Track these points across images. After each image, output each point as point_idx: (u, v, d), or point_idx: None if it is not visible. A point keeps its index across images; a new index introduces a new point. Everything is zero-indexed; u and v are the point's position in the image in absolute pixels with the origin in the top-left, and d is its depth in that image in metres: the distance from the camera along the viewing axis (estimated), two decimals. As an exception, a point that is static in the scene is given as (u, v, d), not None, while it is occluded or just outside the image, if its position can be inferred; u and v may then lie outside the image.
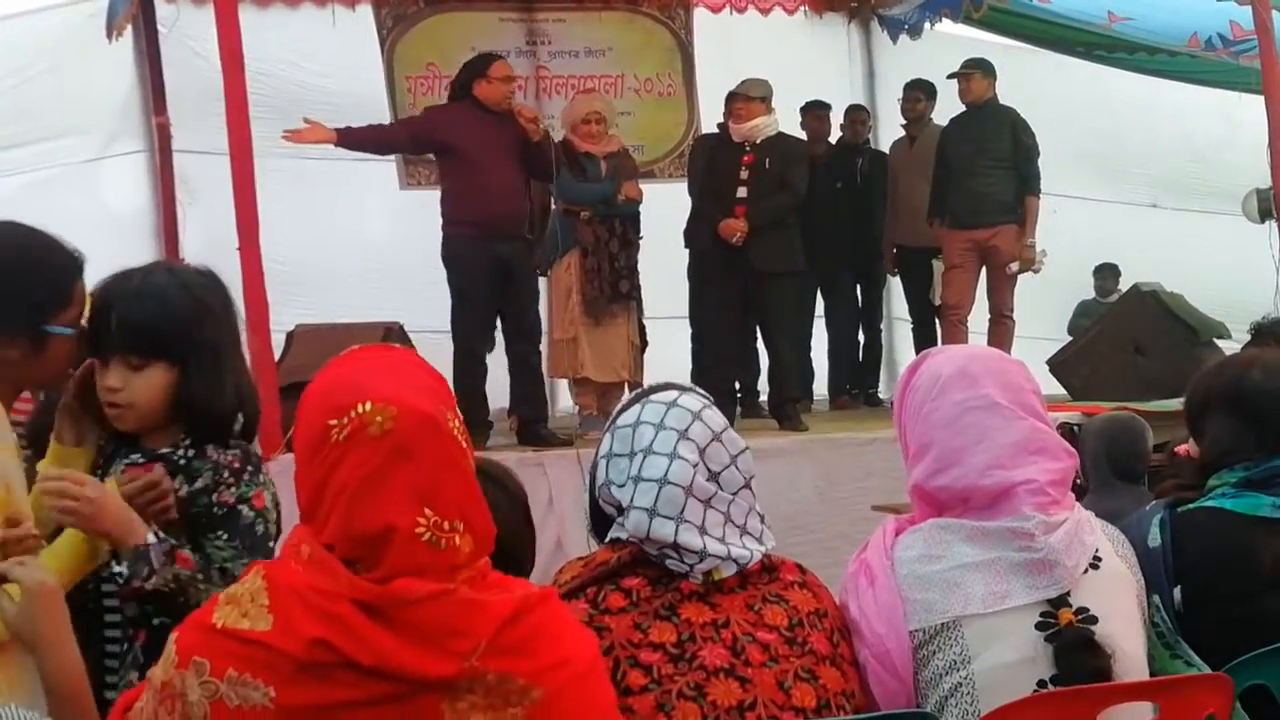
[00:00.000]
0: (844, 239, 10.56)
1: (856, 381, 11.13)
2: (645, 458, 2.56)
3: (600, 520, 2.68)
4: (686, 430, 2.58)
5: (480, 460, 2.44)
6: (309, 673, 1.95)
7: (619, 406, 2.71)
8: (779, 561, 2.65)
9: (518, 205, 8.39)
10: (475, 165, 8.08)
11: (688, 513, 2.51)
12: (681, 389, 2.69)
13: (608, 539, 2.62)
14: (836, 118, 11.07)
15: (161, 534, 2.77)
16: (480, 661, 1.98)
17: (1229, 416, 3.07)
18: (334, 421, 2.03)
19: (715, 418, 2.64)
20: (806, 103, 10.84)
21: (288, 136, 8.31)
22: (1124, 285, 11.52)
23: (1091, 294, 13.05)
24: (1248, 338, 6.32)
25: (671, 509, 2.51)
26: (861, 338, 11.25)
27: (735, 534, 2.57)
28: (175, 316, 2.91)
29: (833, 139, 11.01)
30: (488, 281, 8.12)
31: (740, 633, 2.51)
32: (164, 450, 2.94)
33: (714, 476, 2.58)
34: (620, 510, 2.59)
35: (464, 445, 2.09)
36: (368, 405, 2.02)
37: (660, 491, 2.52)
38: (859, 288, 11.12)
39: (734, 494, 2.59)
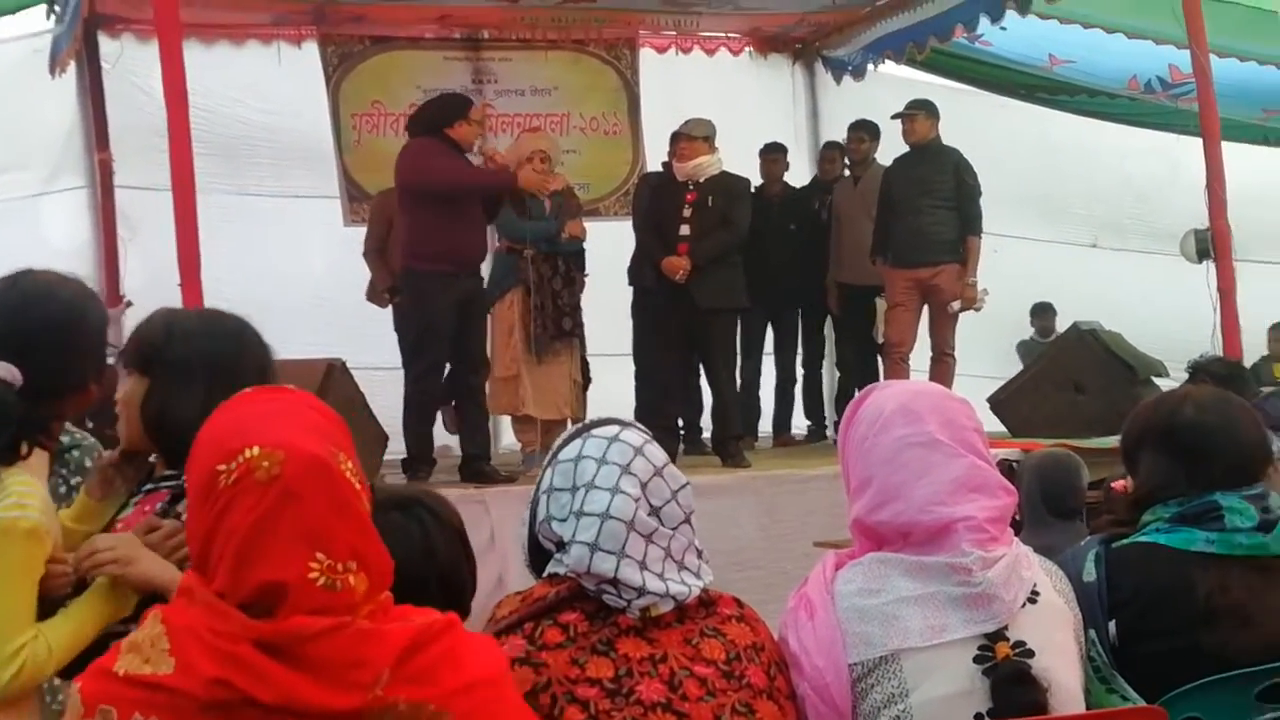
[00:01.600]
0: (798, 277, 10.60)
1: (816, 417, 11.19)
2: (587, 492, 2.56)
3: (538, 555, 2.67)
4: (629, 465, 2.58)
5: (417, 490, 2.42)
6: (213, 713, 1.94)
7: (559, 441, 2.70)
8: (716, 596, 2.65)
9: (485, 242, 8.55)
10: (451, 201, 8.11)
11: (629, 548, 2.51)
12: (622, 424, 2.69)
13: (546, 574, 2.61)
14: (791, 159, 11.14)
15: None
16: (387, 691, 1.98)
17: (1161, 452, 3.09)
18: (222, 467, 2.01)
19: (656, 453, 2.64)
20: (764, 145, 10.92)
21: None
22: (1062, 324, 11.61)
23: (1029, 333, 13.16)
24: (1186, 376, 6.37)
25: (613, 544, 2.50)
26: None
27: (674, 569, 2.57)
28: (154, 331, 2.99)
29: (788, 179, 11.07)
30: (453, 318, 8.13)
31: (678, 667, 2.50)
32: (169, 473, 2.98)
33: (655, 511, 2.57)
34: (560, 546, 2.58)
35: (356, 485, 2.08)
36: (255, 450, 2.01)
37: (602, 526, 2.51)
38: (819, 325, 11.16)
39: (674, 529, 2.59)
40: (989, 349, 11.65)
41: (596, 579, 2.50)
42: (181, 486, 2.92)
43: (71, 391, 2.96)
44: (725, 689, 2.52)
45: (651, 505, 2.57)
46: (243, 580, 1.98)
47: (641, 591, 2.50)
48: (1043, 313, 13.00)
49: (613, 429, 2.66)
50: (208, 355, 2.99)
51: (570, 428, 2.79)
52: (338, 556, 2.00)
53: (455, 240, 8.09)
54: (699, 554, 2.63)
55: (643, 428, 2.72)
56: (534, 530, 2.66)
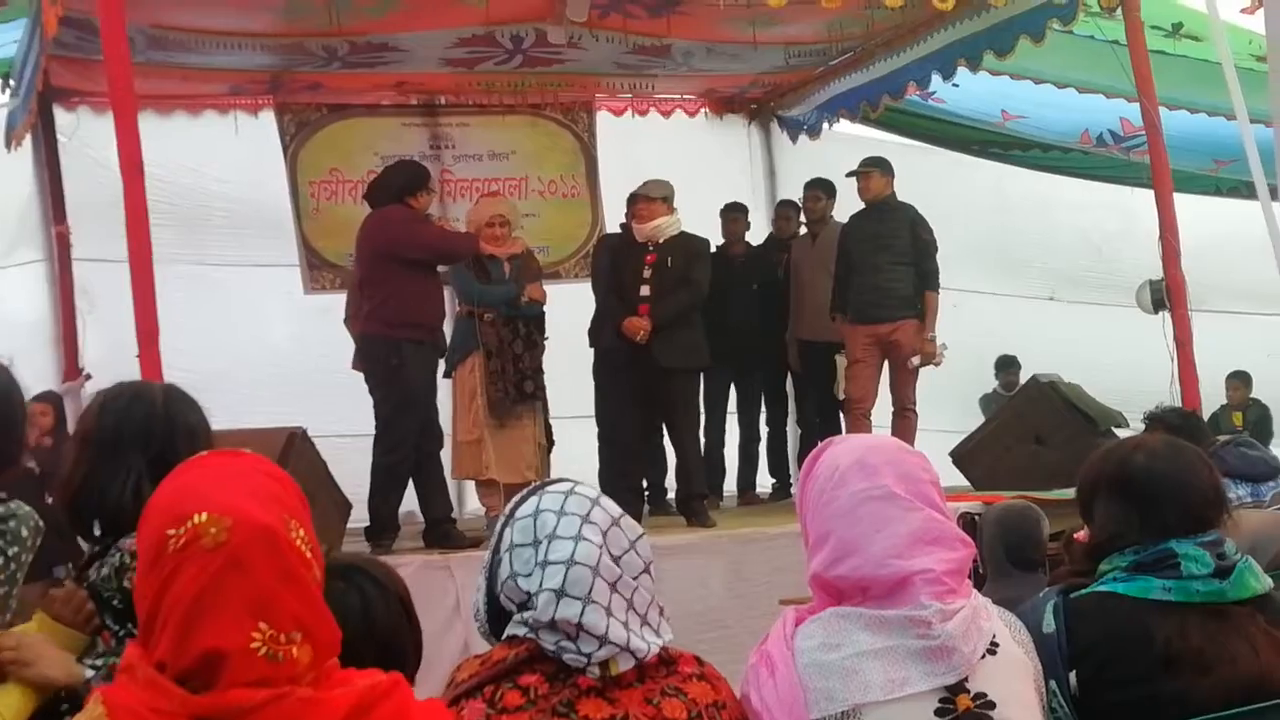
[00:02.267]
0: (759, 336, 10.65)
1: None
2: (550, 543, 2.55)
3: (496, 619, 2.66)
4: (588, 515, 2.58)
5: (361, 557, 2.41)
6: None
7: (513, 502, 2.70)
8: (677, 654, 2.64)
9: (444, 307, 8.64)
10: (422, 268, 8.25)
11: (595, 593, 2.50)
12: (574, 482, 2.70)
13: (505, 636, 2.59)
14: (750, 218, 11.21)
15: (98, 663, 2.87)
16: None
17: (1115, 500, 3.10)
18: (172, 532, 2.00)
19: (611, 505, 2.65)
20: (726, 205, 10.98)
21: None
22: (1022, 377, 11.68)
23: (992, 386, 13.23)
24: (1144, 426, 6.41)
25: (579, 589, 2.49)
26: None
27: (637, 622, 2.56)
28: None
29: (747, 238, 11.12)
30: (433, 385, 8.20)
31: (639, 727, 2.50)
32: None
33: (616, 560, 2.57)
34: (521, 605, 2.57)
35: (305, 555, 2.06)
36: (204, 516, 1.99)
37: (568, 572, 2.50)
38: (781, 384, 11.21)
39: (636, 578, 2.58)
40: (951, 403, 11.70)
41: (558, 634, 2.49)
42: (91, 551, 2.97)
43: (6, 465, 3.01)
44: (687, 748, 2.51)
45: (612, 554, 2.57)
46: (185, 649, 1.96)
47: (603, 641, 2.49)
48: (1007, 367, 13.08)
49: (566, 484, 2.68)
50: (103, 429, 3.08)
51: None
52: (281, 627, 1.98)
53: (427, 307, 8.19)
54: (660, 611, 2.63)
55: (592, 485, 2.73)
56: (494, 592, 2.64)
